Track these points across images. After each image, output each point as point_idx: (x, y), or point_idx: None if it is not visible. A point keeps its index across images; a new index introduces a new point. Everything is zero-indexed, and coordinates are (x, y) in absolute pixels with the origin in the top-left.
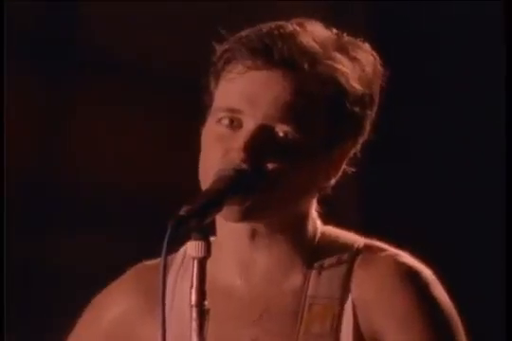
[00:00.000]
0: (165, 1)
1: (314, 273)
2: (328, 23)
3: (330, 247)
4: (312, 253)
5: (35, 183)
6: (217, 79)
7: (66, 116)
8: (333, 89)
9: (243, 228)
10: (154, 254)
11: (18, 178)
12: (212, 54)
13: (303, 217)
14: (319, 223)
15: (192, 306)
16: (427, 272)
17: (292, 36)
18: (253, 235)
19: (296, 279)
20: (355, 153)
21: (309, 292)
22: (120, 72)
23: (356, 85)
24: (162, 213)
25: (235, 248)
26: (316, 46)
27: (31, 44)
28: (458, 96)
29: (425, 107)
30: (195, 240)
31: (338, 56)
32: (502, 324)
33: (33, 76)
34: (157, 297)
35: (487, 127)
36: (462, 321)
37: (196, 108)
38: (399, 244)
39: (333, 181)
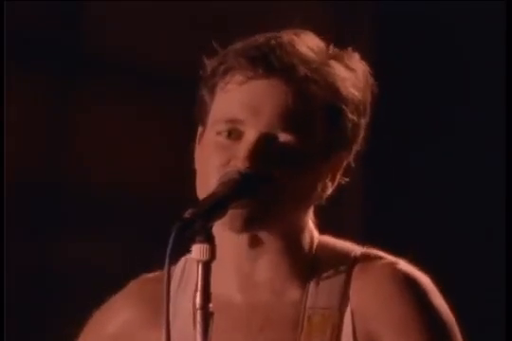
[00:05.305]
0: (165, 1)
1: (312, 284)
2: (328, 23)
3: (327, 257)
4: (310, 263)
5: (35, 183)
6: (213, 91)
7: (66, 116)
8: (332, 96)
9: (241, 238)
10: (154, 255)
11: (18, 178)
12: (202, 69)
13: (301, 227)
14: (315, 232)
15: (196, 309)
16: (425, 279)
17: (289, 44)
18: (252, 245)
19: (295, 291)
20: (349, 163)
21: (308, 303)
22: (120, 72)
23: (355, 92)
24: (164, 214)
25: (234, 259)
26: (312, 54)
27: (31, 44)
28: (458, 98)
29: (424, 111)
30: (200, 243)
31: (334, 63)
32: (502, 332)
33: (33, 76)
34: (160, 308)
35: (488, 130)
36: (460, 329)
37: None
38: (399, 253)
39: (329, 190)
